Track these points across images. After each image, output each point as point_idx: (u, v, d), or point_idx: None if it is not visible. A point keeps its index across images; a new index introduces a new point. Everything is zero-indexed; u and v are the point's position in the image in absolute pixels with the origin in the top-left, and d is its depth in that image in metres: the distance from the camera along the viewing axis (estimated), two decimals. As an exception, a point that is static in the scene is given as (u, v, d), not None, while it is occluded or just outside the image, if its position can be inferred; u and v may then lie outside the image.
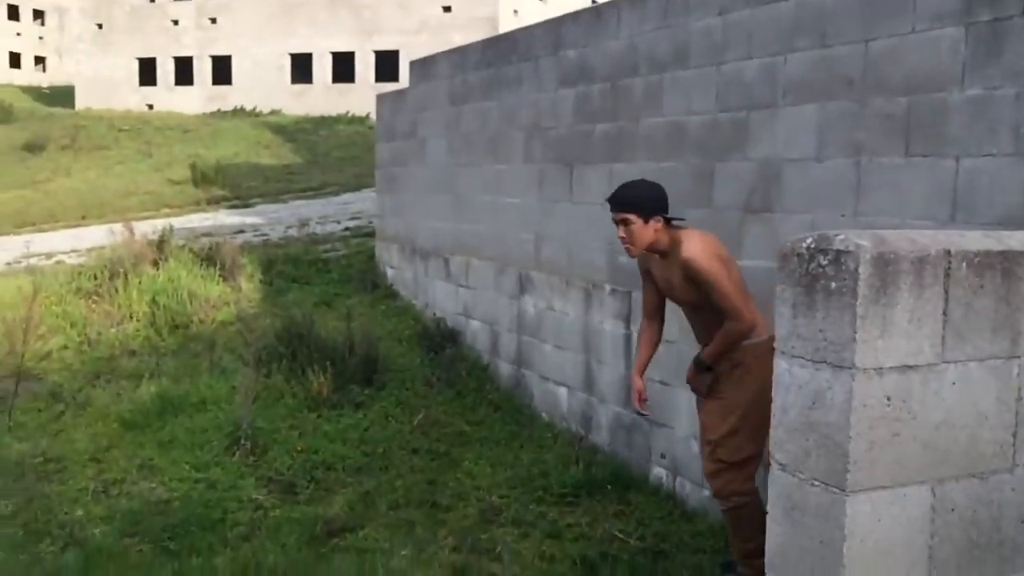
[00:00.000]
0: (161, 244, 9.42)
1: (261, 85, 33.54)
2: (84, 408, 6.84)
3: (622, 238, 3.63)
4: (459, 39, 15.89)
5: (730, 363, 3.60)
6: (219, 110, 33.59)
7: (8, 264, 11.57)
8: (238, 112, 32.98)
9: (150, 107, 35.40)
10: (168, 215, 16.76)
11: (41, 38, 57.62)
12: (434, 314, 8.37)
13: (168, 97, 35.30)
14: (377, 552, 4.60)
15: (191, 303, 8.65)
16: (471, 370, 7.43)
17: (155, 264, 9.13)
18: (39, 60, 57.72)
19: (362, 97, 27.30)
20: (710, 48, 4.95)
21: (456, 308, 8.05)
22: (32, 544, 4.79)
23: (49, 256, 12.08)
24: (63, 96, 41.98)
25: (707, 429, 3.74)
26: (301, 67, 33.75)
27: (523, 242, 6.93)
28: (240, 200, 18.91)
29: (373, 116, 30.24)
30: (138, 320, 8.49)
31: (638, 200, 3.57)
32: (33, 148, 25.22)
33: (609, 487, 5.31)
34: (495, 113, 7.41)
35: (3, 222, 16.79)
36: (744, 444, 3.58)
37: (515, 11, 30.22)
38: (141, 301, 8.63)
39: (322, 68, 33.27)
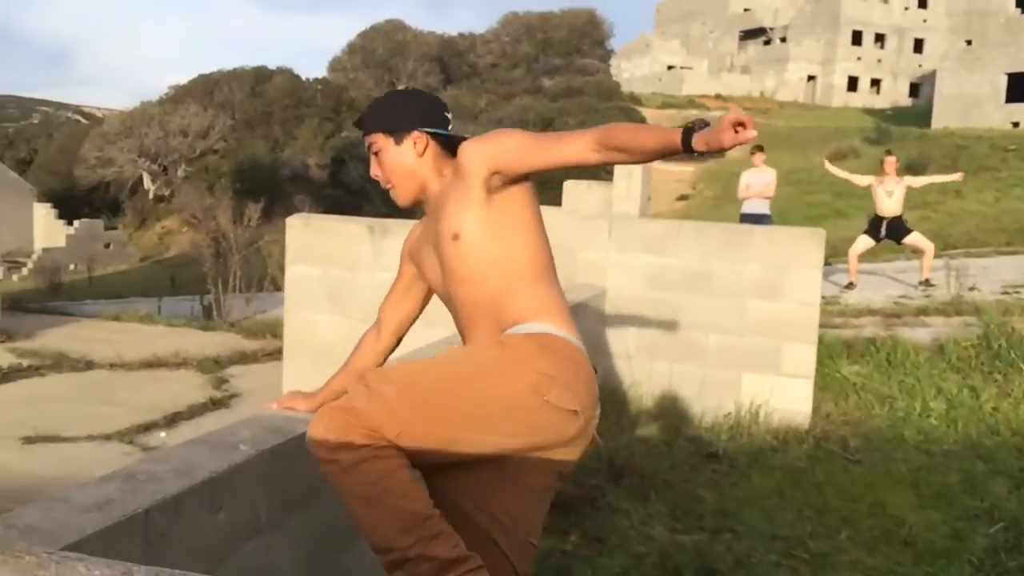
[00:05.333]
0: None
1: None
2: None
3: (376, 177, 2.16)
4: None
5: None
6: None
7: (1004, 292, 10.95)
8: None
9: (1015, 125, 33.05)
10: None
11: (879, 61, 59.54)
12: None
13: (1039, 113, 32.50)
14: None
15: None
16: None
17: None
18: (874, 82, 59.80)
19: None
20: None
21: None
22: None
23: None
24: (903, 116, 42.31)
25: None
26: None
27: None
28: None
29: None
30: None
31: (382, 112, 2.11)
32: (915, 169, 25.36)
33: None
34: None
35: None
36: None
37: None
38: None
39: None
